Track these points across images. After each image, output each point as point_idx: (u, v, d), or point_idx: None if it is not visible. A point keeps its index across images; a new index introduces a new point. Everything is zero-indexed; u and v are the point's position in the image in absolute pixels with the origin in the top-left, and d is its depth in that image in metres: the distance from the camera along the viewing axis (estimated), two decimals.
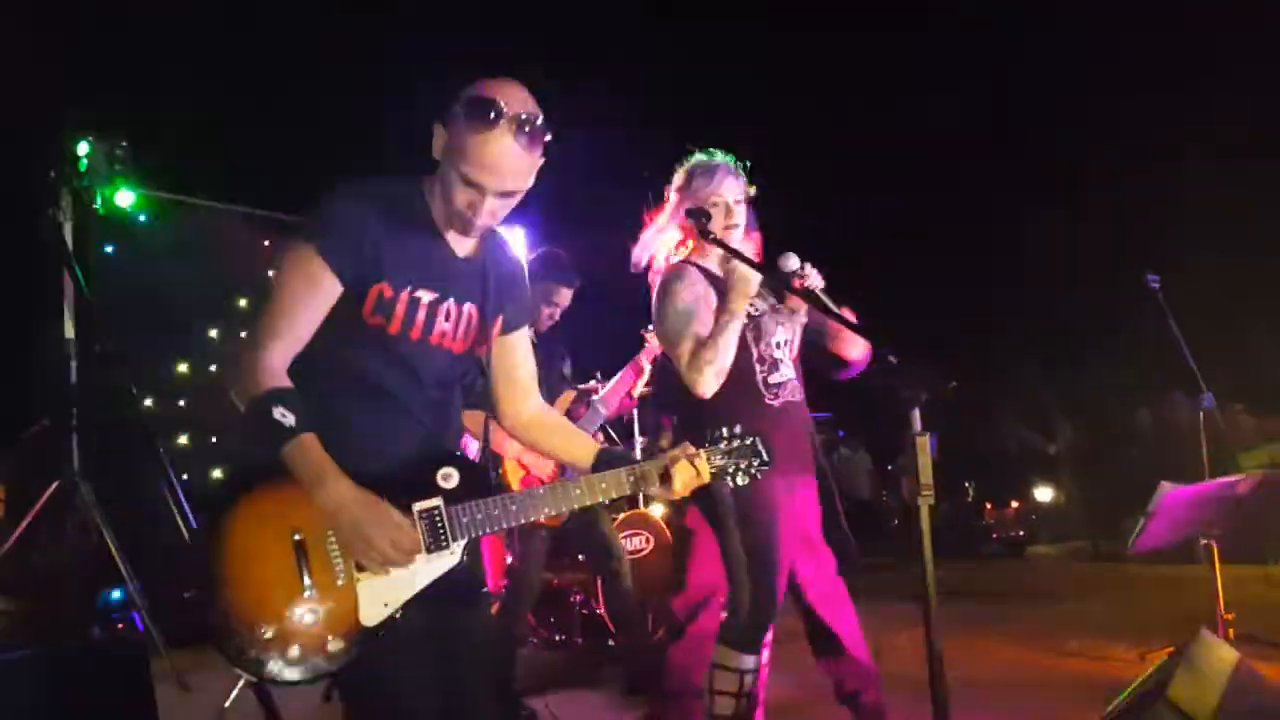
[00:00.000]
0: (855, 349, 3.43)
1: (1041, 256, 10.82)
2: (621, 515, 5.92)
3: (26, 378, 5.99)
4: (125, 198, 5.91)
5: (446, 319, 2.21)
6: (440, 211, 2.19)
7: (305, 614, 1.98)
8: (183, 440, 7.59)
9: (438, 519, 2.09)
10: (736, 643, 3.14)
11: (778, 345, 3.28)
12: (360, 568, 2.03)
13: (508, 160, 2.07)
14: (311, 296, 2.08)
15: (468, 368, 2.35)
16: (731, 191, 3.29)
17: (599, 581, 5.24)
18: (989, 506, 11.30)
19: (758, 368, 3.22)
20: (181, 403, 7.79)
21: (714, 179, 3.28)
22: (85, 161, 5.58)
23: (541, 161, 2.18)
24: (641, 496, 5.66)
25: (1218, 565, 4.60)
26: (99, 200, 5.74)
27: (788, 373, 3.29)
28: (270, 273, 2.15)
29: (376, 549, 1.98)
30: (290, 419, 1.97)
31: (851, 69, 11.03)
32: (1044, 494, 11.21)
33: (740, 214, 3.30)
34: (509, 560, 4.82)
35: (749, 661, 3.14)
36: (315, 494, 1.97)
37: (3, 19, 6.20)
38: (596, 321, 5.12)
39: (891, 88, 11.14)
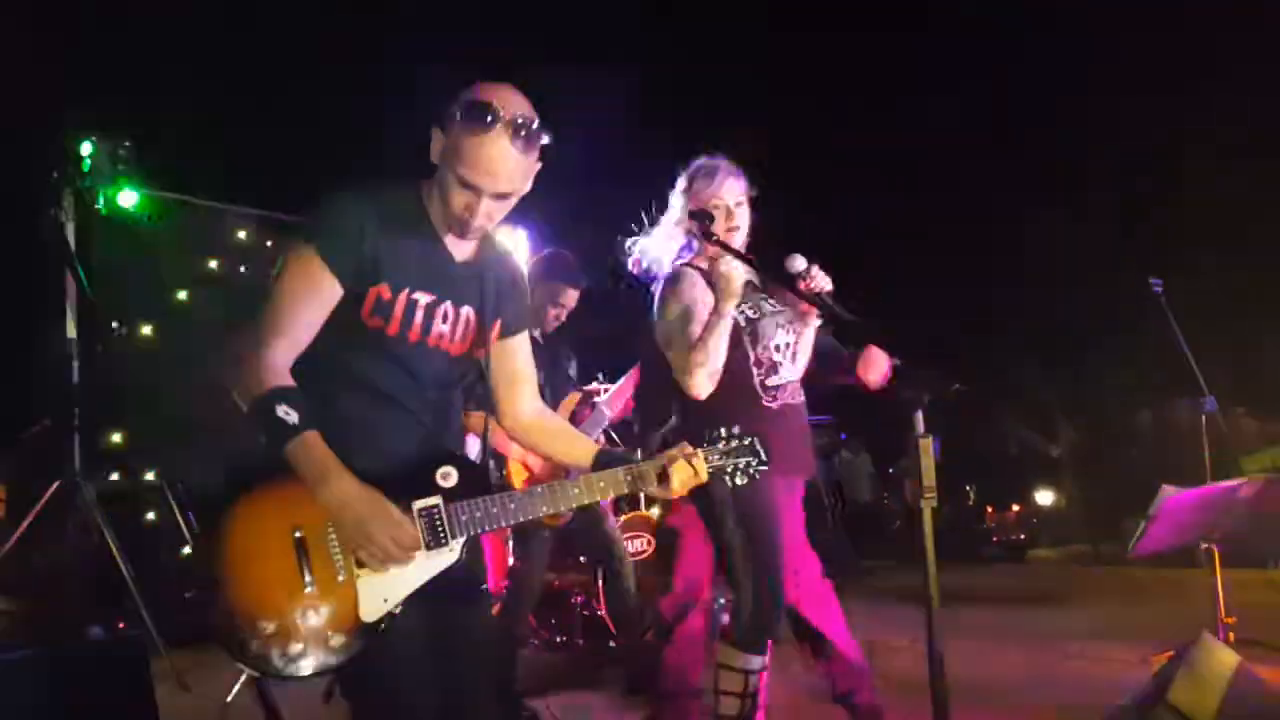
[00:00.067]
0: (874, 373, 3.42)
1: (1042, 257, 10.81)
2: (623, 517, 5.92)
3: (28, 378, 5.98)
4: (128, 198, 5.92)
5: (444, 321, 2.24)
6: (438, 215, 2.23)
7: (307, 609, 2.02)
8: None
9: (437, 517, 2.12)
10: (741, 643, 3.15)
11: (777, 349, 3.28)
12: (360, 564, 2.06)
13: (504, 162, 2.11)
14: (312, 297, 2.12)
15: (466, 369, 2.38)
16: (732, 193, 3.30)
17: (600, 582, 5.24)
18: (990, 510, 11.29)
19: (754, 371, 3.24)
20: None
21: (714, 181, 3.29)
22: (88, 161, 5.58)
23: (538, 165, 2.21)
24: (643, 498, 5.68)
25: (1219, 569, 4.60)
26: (101, 200, 5.75)
27: (787, 375, 3.30)
28: (272, 273, 2.16)
29: (378, 545, 2.01)
30: (293, 417, 2.00)
31: (851, 69, 11.02)
32: (1045, 497, 11.21)
33: (741, 216, 3.31)
34: (510, 561, 4.82)
35: (754, 662, 3.15)
36: (319, 491, 2.01)
37: (3, 19, 6.20)
38: (599, 323, 5.12)
39: (891, 88, 11.13)
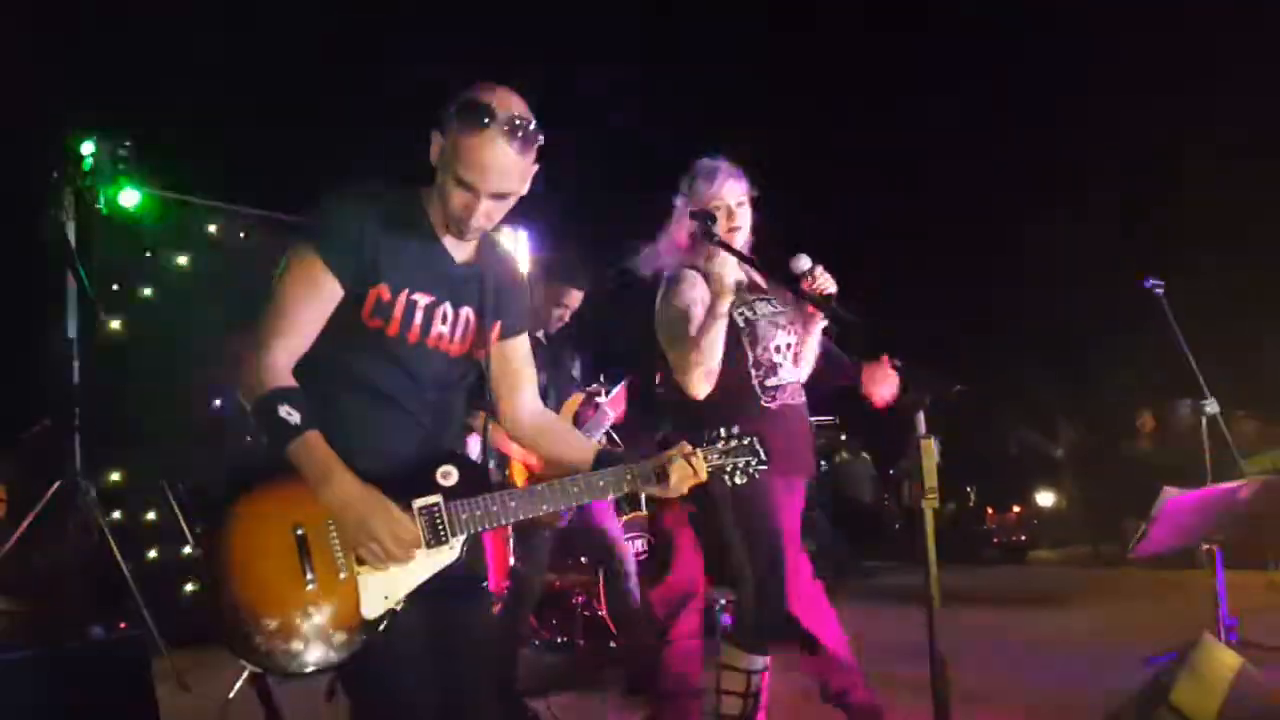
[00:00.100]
0: (881, 390, 3.43)
1: (1042, 257, 10.80)
2: (623, 518, 5.92)
3: (29, 378, 5.98)
4: (130, 197, 5.92)
5: (443, 322, 2.27)
6: (438, 217, 2.25)
7: (309, 607, 2.05)
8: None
9: (437, 515, 2.14)
10: (744, 643, 3.15)
11: (777, 349, 3.28)
12: (361, 561, 2.08)
13: (500, 162, 2.13)
14: (313, 298, 2.14)
15: (466, 370, 2.39)
16: (733, 194, 3.31)
17: (601, 583, 5.24)
18: (990, 511, 11.28)
19: (753, 372, 3.24)
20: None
21: (715, 182, 3.30)
22: (90, 161, 5.59)
23: (536, 167, 2.24)
24: (644, 498, 5.67)
25: (1220, 570, 4.60)
26: (102, 200, 5.75)
27: (788, 376, 3.30)
28: (274, 274, 2.18)
29: (379, 543, 2.04)
30: (295, 417, 2.03)
31: (851, 69, 11.01)
32: (1045, 499, 11.20)
33: (743, 216, 3.31)
34: (511, 561, 4.82)
35: (757, 662, 3.15)
36: (320, 490, 2.04)
37: (3, 19, 6.20)
38: (601, 324, 5.12)
39: (891, 88, 11.12)
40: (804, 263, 3.10)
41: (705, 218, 3.22)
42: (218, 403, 6.97)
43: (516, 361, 2.51)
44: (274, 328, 2.12)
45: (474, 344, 2.36)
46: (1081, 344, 11.05)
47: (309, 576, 2.05)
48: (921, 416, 2.55)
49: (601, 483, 2.30)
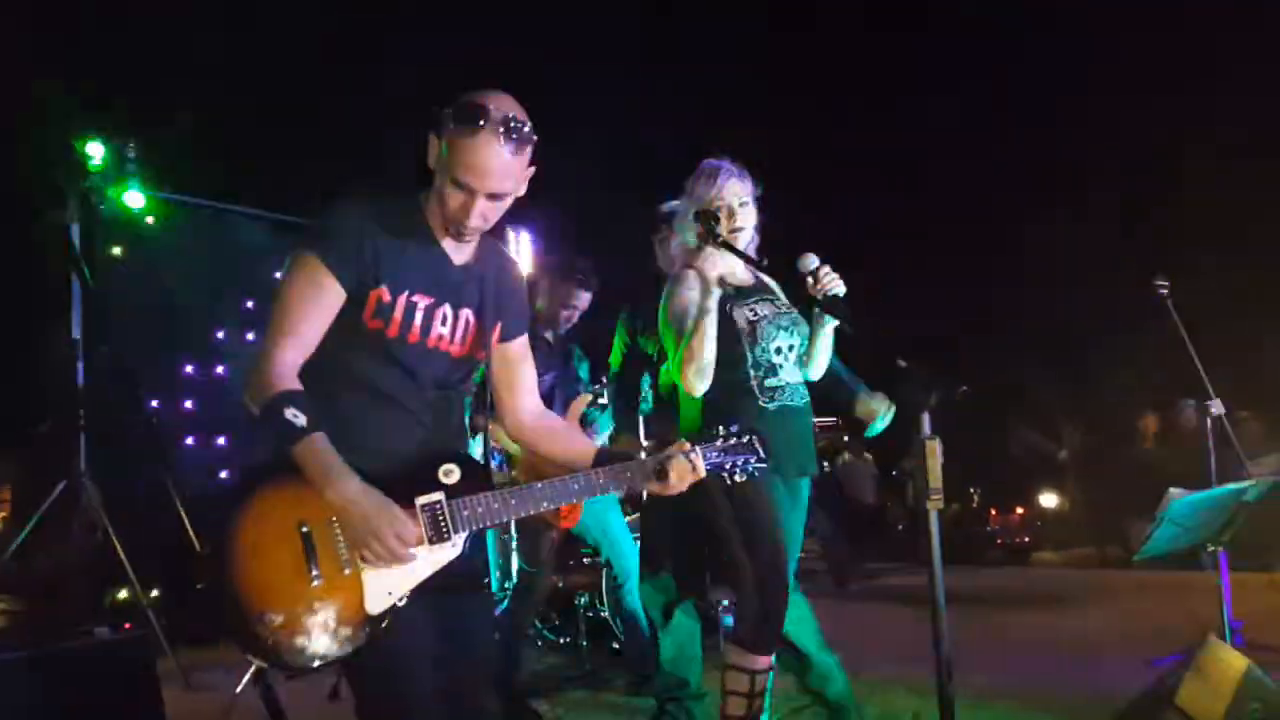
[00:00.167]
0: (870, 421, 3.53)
1: (1042, 257, 10.81)
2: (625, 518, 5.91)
3: (33, 378, 5.98)
4: (134, 199, 5.93)
5: (443, 323, 2.31)
6: (437, 220, 2.30)
7: (314, 602, 2.09)
8: (189, 441, 7.61)
9: (439, 512, 2.18)
10: (747, 643, 3.14)
11: (778, 350, 3.28)
12: (365, 558, 2.11)
13: (495, 162, 2.17)
14: (316, 302, 2.18)
15: (467, 371, 2.43)
16: (735, 194, 3.30)
17: (604, 584, 5.24)
18: (993, 512, 11.28)
19: (752, 372, 3.23)
20: (188, 404, 7.79)
21: (717, 182, 3.29)
22: (95, 162, 5.59)
23: (532, 169, 2.28)
24: (645, 498, 5.66)
25: (1225, 572, 4.59)
26: (107, 201, 5.75)
27: (788, 377, 3.29)
28: (277, 275, 2.20)
29: (382, 543, 2.07)
30: (301, 420, 2.07)
31: (851, 69, 11.02)
32: (1049, 500, 11.20)
33: (745, 216, 3.31)
34: (518, 561, 4.81)
35: (760, 662, 3.15)
36: (325, 490, 2.08)
37: (4, 19, 6.19)
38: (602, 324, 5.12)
39: (891, 88, 11.13)
40: (811, 262, 3.09)
41: (708, 218, 3.22)
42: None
43: (517, 362, 2.54)
44: (279, 332, 2.16)
45: (474, 345, 2.39)
46: (1082, 344, 11.05)
47: (314, 573, 2.09)
48: (926, 417, 2.54)
49: (601, 480, 2.34)
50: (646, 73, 10.11)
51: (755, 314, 3.28)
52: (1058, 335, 11.24)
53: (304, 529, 2.10)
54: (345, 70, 8.45)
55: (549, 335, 4.47)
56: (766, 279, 3.42)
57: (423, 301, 2.26)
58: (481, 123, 2.14)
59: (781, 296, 3.40)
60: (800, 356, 3.34)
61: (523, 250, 7.98)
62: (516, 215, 2.31)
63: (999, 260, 10.94)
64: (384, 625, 2.11)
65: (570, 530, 4.51)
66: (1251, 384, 8.54)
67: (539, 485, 2.28)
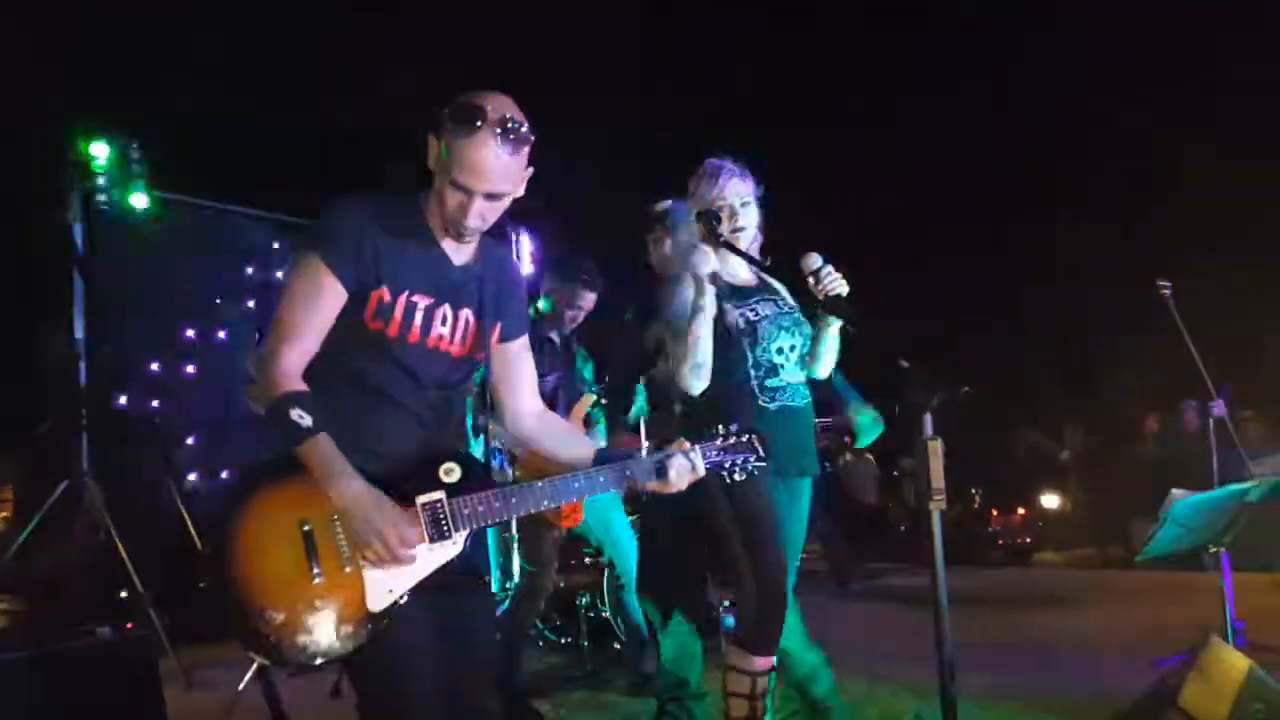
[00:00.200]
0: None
1: (1042, 257, 10.80)
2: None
3: (35, 378, 5.98)
4: (139, 200, 5.93)
5: (443, 323, 2.33)
6: (437, 221, 2.32)
7: (315, 600, 2.12)
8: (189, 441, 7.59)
9: (440, 511, 2.20)
10: (748, 644, 3.14)
11: (779, 351, 3.27)
12: (366, 557, 2.14)
13: (492, 162, 2.19)
14: (319, 302, 2.21)
15: (467, 371, 2.45)
16: (737, 194, 3.30)
17: (606, 583, 5.24)
18: (995, 513, 11.27)
19: (752, 373, 3.23)
20: (189, 404, 7.78)
21: (718, 182, 3.30)
22: (100, 163, 5.60)
23: (530, 169, 2.30)
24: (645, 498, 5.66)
25: (1228, 573, 4.59)
26: (111, 202, 5.75)
27: (788, 378, 3.29)
28: (279, 276, 2.22)
29: (384, 542, 2.10)
30: (307, 420, 2.10)
31: (851, 69, 11.01)
32: (1050, 501, 11.19)
33: (746, 216, 3.31)
34: (519, 560, 4.81)
35: (761, 663, 3.14)
36: (328, 489, 2.11)
37: (5, 20, 6.19)
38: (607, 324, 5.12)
39: (891, 88, 11.12)
40: (814, 261, 3.10)
41: (709, 218, 3.22)
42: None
43: (517, 362, 2.56)
44: (283, 333, 2.19)
45: (474, 345, 2.41)
46: (1082, 344, 11.05)
47: (315, 571, 2.12)
48: (928, 417, 2.53)
49: (602, 479, 2.36)
50: (646, 73, 10.10)
51: (756, 314, 3.28)
52: (1058, 335, 11.23)
53: (305, 527, 2.13)
54: (345, 70, 8.44)
55: (554, 336, 4.47)
56: (769, 279, 3.41)
57: (423, 302, 2.29)
58: (479, 123, 2.16)
59: (785, 296, 3.40)
60: (803, 357, 3.34)
61: (522, 252, 7.97)
62: (516, 215, 2.32)
63: (999, 260, 10.93)
64: (385, 623, 2.13)
65: (573, 530, 4.51)
66: (1251, 385, 8.55)
67: (540, 484, 2.29)
